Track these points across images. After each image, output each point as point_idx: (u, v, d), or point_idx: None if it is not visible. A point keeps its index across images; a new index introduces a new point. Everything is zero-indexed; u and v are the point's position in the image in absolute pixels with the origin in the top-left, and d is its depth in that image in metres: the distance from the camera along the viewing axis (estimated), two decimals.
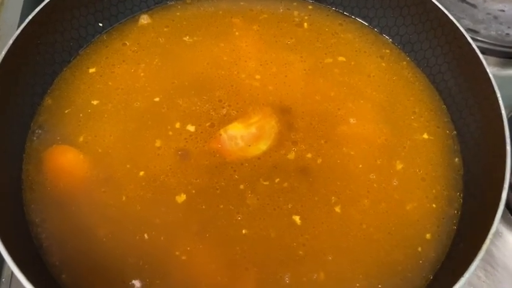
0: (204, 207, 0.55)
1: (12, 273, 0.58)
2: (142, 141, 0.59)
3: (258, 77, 0.65)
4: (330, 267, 0.53)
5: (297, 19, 0.72)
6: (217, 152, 0.59)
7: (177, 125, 0.60)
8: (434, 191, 0.58)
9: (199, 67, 0.66)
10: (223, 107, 0.62)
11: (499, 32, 0.80)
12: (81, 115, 0.61)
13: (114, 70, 0.65)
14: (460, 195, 0.58)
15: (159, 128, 0.60)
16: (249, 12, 0.72)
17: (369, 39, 0.71)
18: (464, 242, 0.53)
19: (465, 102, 0.62)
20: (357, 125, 0.62)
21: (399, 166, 0.59)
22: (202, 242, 0.54)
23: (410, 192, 0.58)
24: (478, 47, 0.60)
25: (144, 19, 0.71)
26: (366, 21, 0.72)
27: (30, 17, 0.59)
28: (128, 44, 0.68)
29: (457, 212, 0.57)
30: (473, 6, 0.84)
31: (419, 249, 0.55)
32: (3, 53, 0.56)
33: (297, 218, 0.55)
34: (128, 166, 0.58)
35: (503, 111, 0.55)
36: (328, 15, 0.73)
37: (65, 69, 0.66)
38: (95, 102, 0.62)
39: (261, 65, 0.66)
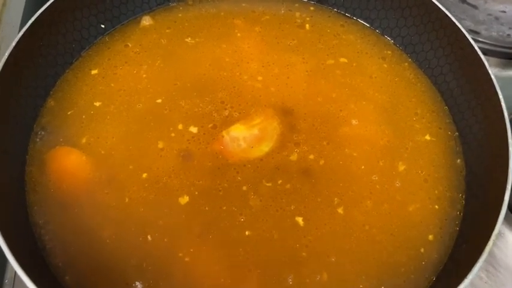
0: (206, 208, 0.55)
1: (15, 274, 0.58)
2: (145, 143, 0.59)
3: (260, 78, 0.65)
4: (333, 268, 0.53)
5: (298, 20, 0.72)
6: (220, 153, 0.59)
7: (180, 127, 0.60)
8: (436, 192, 0.58)
9: (202, 68, 0.66)
10: (225, 109, 0.62)
11: (500, 33, 0.80)
12: (83, 117, 0.61)
13: (116, 71, 0.65)
14: (462, 196, 0.58)
15: (162, 130, 0.60)
16: (250, 14, 0.72)
17: (371, 41, 0.71)
18: (467, 244, 0.54)
19: (467, 103, 0.62)
20: (359, 126, 0.62)
21: (401, 167, 0.59)
22: (205, 243, 0.54)
23: (412, 194, 0.58)
24: (479, 48, 0.60)
25: (146, 20, 0.71)
26: (368, 23, 0.72)
27: (32, 19, 0.59)
28: (130, 45, 0.68)
29: (460, 213, 0.57)
30: (474, 7, 0.84)
31: (422, 250, 0.55)
32: (6, 55, 0.56)
33: (299, 220, 0.55)
34: (131, 167, 0.58)
35: (505, 112, 0.55)
36: (330, 17, 0.73)
37: (67, 70, 0.66)
38: (97, 104, 0.62)
39: (263, 66, 0.66)
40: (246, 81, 0.65)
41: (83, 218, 0.55)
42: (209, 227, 0.54)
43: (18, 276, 0.45)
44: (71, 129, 0.60)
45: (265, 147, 0.59)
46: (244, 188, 0.57)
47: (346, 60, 0.68)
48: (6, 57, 0.55)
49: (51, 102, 0.63)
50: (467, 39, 0.61)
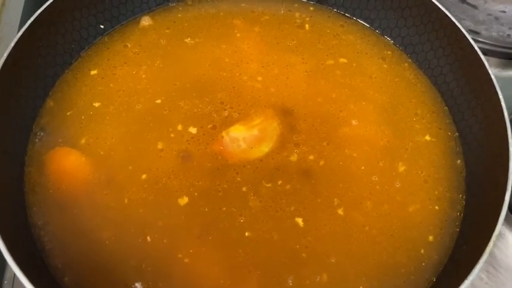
0: (206, 209, 0.55)
1: (14, 275, 0.58)
2: (144, 144, 0.59)
3: (259, 78, 0.65)
4: (333, 269, 0.53)
5: (298, 21, 0.72)
6: (220, 154, 0.59)
7: (179, 127, 0.60)
8: (436, 192, 0.58)
9: (201, 69, 0.66)
10: (225, 109, 0.62)
11: (500, 33, 0.80)
12: (83, 117, 0.61)
13: (115, 72, 0.65)
14: (462, 197, 0.58)
15: (161, 130, 0.60)
16: (250, 14, 0.72)
17: (371, 41, 0.71)
18: (467, 244, 0.53)
19: (467, 103, 0.62)
20: (359, 126, 0.62)
21: (401, 168, 0.59)
22: (205, 244, 0.53)
23: (412, 194, 0.58)
24: (479, 48, 0.60)
25: (146, 21, 0.71)
26: (368, 23, 0.72)
27: (31, 19, 0.59)
28: (129, 45, 0.68)
29: (460, 214, 0.57)
30: (474, 7, 0.83)
31: (422, 251, 0.55)
32: (5, 55, 0.56)
33: (299, 220, 0.55)
34: (130, 168, 0.57)
35: (505, 112, 0.55)
36: (329, 17, 0.73)
37: (66, 71, 0.66)
38: (96, 104, 0.62)
39: (262, 66, 0.66)
40: (246, 82, 0.65)
41: (82, 219, 0.55)
42: (209, 228, 0.54)
43: (18, 277, 0.45)
44: (70, 129, 0.60)
45: (265, 148, 0.59)
46: (244, 188, 0.56)
47: (346, 61, 0.68)
48: (5, 57, 0.55)
49: (50, 103, 0.63)
50: (467, 40, 0.61)
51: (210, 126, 0.60)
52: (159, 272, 0.52)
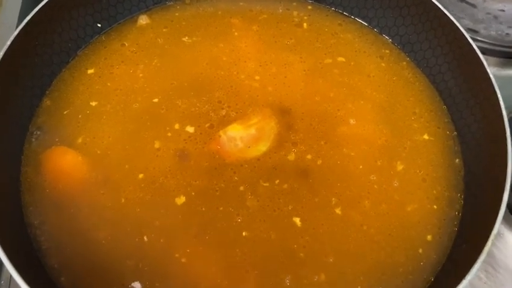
0: (203, 209, 0.55)
1: (10, 276, 0.58)
2: (141, 143, 0.59)
3: (257, 77, 0.65)
4: (331, 269, 0.53)
5: (296, 19, 0.72)
6: (217, 153, 0.58)
7: (176, 126, 0.60)
8: (435, 192, 0.58)
9: (199, 68, 0.65)
10: (222, 108, 0.62)
11: (499, 32, 0.80)
12: (79, 116, 0.61)
13: (112, 71, 0.65)
14: (461, 196, 0.58)
15: (158, 129, 0.60)
16: (248, 13, 0.72)
17: (369, 40, 0.70)
18: (465, 244, 0.53)
19: (466, 102, 0.62)
20: (357, 125, 0.62)
21: (400, 167, 0.59)
22: (202, 244, 0.53)
23: (411, 194, 0.58)
24: (478, 47, 0.60)
25: (143, 20, 0.71)
26: (366, 22, 0.72)
27: (28, 18, 0.59)
28: (126, 44, 0.68)
29: (458, 213, 0.57)
30: (473, 6, 0.83)
31: (420, 250, 0.55)
32: (1, 54, 0.55)
33: (297, 220, 0.55)
34: (127, 168, 0.57)
35: (503, 112, 0.55)
36: (327, 16, 0.72)
37: (63, 70, 0.65)
38: (93, 104, 0.62)
39: (260, 65, 0.66)
40: (244, 81, 0.64)
41: (78, 219, 0.55)
42: (206, 227, 0.54)
43: (14, 278, 0.45)
44: (67, 129, 0.60)
45: (262, 147, 0.59)
46: (241, 188, 0.56)
47: (344, 59, 0.67)
48: (1, 56, 0.55)
49: (47, 102, 0.63)
50: (466, 38, 0.60)
51: (207, 125, 0.60)
52: (156, 271, 0.52)
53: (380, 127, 0.62)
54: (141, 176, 0.57)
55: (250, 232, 0.54)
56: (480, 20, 0.81)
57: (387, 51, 0.69)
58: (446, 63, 0.65)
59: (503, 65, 0.79)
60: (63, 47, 0.65)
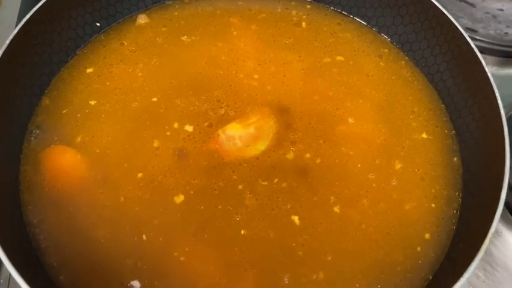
0: (202, 207, 0.55)
1: (10, 274, 0.58)
2: (140, 142, 0.59)
3: (256, 76, 0.65)
4: (329, 267, 0.53)
5: (295, 18, 0.72)
6: (216, 152, 0.58)
7: (175, 125, 0.60)
8: (433, 190, 0.58)
9: (198, 67, 0.65)
10: (221, 107, 0.62)
11: (498, 31, 0.80)
12: (78, 115, 0.61)
13: (111, 70, 0.65)
14: (459, 194, 0.58)
15: (157, 128, 0.60)
16: (247, 12, 0.72)
17: (368, 39, 0.70)
18: (463, 242, 0.53)
19: (464, 101, 0.62)
20: (356, 124, 0.62)
21: (398, 166, 0.59)
22: (201, 242, 0.53)
23: (409, 192, 0.58)
24: (476, 46, 0.60)
25: (142, 19, 0.71)
26: (365, 21, 0.72)
27: (27, 17, 0.59)
28: (125, 43, 0.68)
29: (456, 212, 0.57)
30: (472, 5, 0.83)
31: (419, 249, 0.55)
32: (0, 53, 0.55)
33: (295, 218, 0.55)
34: (126, 166, 0.57)
35: (502, 111, 0.55)
36: (326, 15, 0.73)
37: (62, 69, 0.65)
38: (92, 103, 0.62)
39: (259, 64, 0.66)
40: (242, 80, 0.64)
41: (77, 217, 0.55)
42: (204, 226, 0.54)
43: (14, 277, 0.45)
44: (66, 128, 0.60)
45: (261, 146, 0.59)
46: (240, 187, 0.56)
47: (342, 59, 0.68)
48: (0, 55, 0.55)
49: (46, 101, 0.63)
50: (464, 37, 0.61)
51: (206, 124, 0.60)
52: (155, 270, 0.52)
53: (379, 126, 0.62)
54: (140, 174, 0.57)
55: (249, 231, 0.54)
56: (479, 19, 0.82)
57: (386, 50, 0.70)
58: (445, 62, 0.65)
59: (502, 64, 0.79)
60: (62, 46, 0.65)
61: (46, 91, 0.63)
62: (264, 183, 0.57)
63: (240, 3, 0.73)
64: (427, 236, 0.55)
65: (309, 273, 0.52)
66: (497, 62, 0.79)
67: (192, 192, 0.56)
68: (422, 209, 0.57)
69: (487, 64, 0.58)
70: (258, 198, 0.56)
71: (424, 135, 0.62)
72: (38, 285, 0.45)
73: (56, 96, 0.63)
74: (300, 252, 0.53)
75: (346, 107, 0.63)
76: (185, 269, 0.52)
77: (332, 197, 0.56)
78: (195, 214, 0.55)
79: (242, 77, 0.65)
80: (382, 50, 0.69)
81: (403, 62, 0.69)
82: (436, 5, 0.64)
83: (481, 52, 0.60)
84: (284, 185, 0.57)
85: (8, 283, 0.58)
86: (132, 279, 0.52)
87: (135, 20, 0.71)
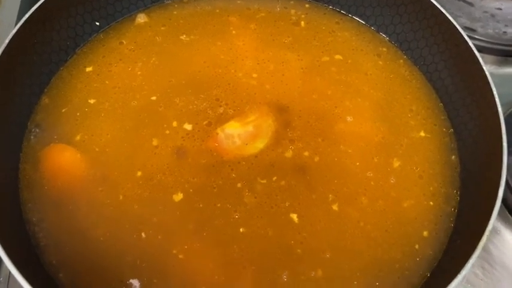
0: (201, 205, 0.55)
1: (10, 272, 0.58)
2: (139, 140, 0.59)
3: (255, 75, 0.65)
4: (328, 264, 0.53)
5: (294, 18, 0.72)
6: (215, 150, 0.59)
7: (174, 124, 0.60)
8: (431, 188, 0.58)
9: (197, 66, 0.66)
10: (220, 106, 0.62)
11: (496, 30, 0.80)
12: (78, 114, 0.61)
13: (111, 69, 0.65)
14: (457, 192, 0.58)
15: (156, 127, 0.60)
16: (246, 11, 0.72)
17: (366, 38, 0.71)
18: (461, 239, 0.54)
19: (462, 100, 0.62)
20: (354, 123, 0.62)
21: (396, 164, 0.59)
22: (200, 240, 0.53)
23: (407, 190, 0.58)
24: (475, 45, 0.60)
25: (141, 18, 0.71)
26: (363, 20, 0.72)
27: (26, 16, 0.59)
28: (124, 42, 0.68)
29: (454, 210, 0.57)
30: (470, 4, 0.84)
31: (417, 246, 0.55)
32: (0, 52, 0.55)
33: (294, 216, 0.55)
34: (125, 165, 0.58)
35: (499, 109, 0.55)
36: (325, 14, 0.73)
37: (61, 68, 0.66)
38: (91, 101, 0.62)
39: (258, 63, 0.66)
40: (241, 79, 0.65)
41: (77, 216, 0.55)
42: (203, 224, 0.54)
43: (13, 274, 0.45)
44: (65, 126, 0.60)
45: (259, 144, 0.59)
46: (239, 185, 0.56)
47: (341, 57, 0.68)
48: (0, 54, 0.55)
49: (45, 100, 0.63)
50: (462, 36, 0.61)
51: (205, 122, 0.61)
52: (154, 268, 0.52)
53: (377, 124, 0.62)
54: (139, 173, 0.57)
55: (248, 228, 0.54)
56: (477, 19, 0.82)
57: (384, 49, 0.70)
58: (443, 61, 0.65)
59: (501, 63, 0.80)
60: (61, 45, 0.65)
61: (45, 90, 0.64)
62: (262, 181, 0.57)
63: (239, 2, 0.73)
64: (425, 233, 0.56)
65: (308, 271, 0.52)
66: (496, 60, 0.80)
67: (191, 190, 0.56)
68: (421, 206, 0.57)
69: (485, 63, 0.59)
70: (256, 196, 0.56)
71: (422, 134, 0.62)
72: (38, 283, 0.45)
73: (55, 95, 0.63)
74: (298, 250, 0.53)
75: (345, 105, 0.63)
76: (184, 267, 0.52)
77: (330, 195, 0.57)
78: (194, 212, 0.55)
79: (241, 76, 0.65)
80: (380, 48, 0.70)
81: (402, 60, 0.69)
82: (434, 4, 0.64)
83: (480, 51, 0.60)
84: (283, 183, 0.57)
85: (8, 281, 0.58)
86: (132, 277, 0.52)
87: (134, 19, 0.71)
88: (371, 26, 0.72)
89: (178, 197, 0.56)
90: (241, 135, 0.59)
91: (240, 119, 0.61)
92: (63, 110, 0.62)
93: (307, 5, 0.73)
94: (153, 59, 0.66)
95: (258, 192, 0.56)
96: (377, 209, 0.56)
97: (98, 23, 0.69)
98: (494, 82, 0.57)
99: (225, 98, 0.63)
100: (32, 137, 0.60)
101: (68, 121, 0.61)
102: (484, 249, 0.47)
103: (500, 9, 0.83)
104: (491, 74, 0.58)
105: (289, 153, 0.59)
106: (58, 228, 0.54)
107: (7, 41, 0.57)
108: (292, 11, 0.73)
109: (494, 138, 0.54)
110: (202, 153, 0.58)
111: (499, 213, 0.50)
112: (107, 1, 0.69)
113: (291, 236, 0.54)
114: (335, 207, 0.56)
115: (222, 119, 0.61)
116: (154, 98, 0.62)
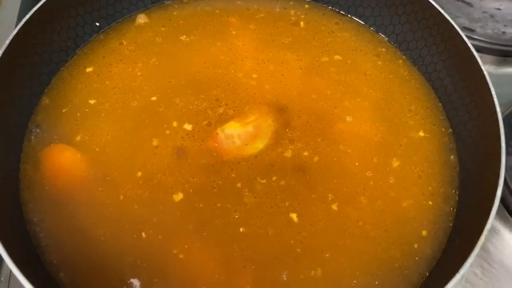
0: (201, 205, 0.55)
1: (11, 272, 0.58)
2: (140, 140, 0.59)
3: (254, 75, 0.65)
4: (327, 264, 0.53)
5: (293, 18, 0.72)
6: (214, 150, 0.59)
7: (174, 124, 0.61)
8: (430, 188, 0.59)
9: (196, 66, 0.66)
10: (220, 106, 0.62)
11: (495, 31, 0.81)
12: (78, 114, 0.61)
13: (111, 69, 0.66)
14: (455, 192, 0.59)
15: (156, 127, 0.60)
16: (245, 12, 0.72)
17: (365, 38, 0.71)
18: (460, 239, 0.54)
19: (461, 100, 0.63)
20: (354, 123, 0.62)
21: (395, 164, 0.60)
22: (200, 240, 0.54)
23: (406, 190, 0.58)
24: (474, 45, 0.60)
25: (141, 18, 0.71)
26: (362, 20, 0.72)
27: (26, 17, 0.59)
28: (125, 43, 0.68)
29: (453, 209, 0.58)
30: (470, 4, 0.84)
31: (416, 246, 0.55)
32: (0, 53, 0.56)
33: (294, 216, 0.55)
34: (125, 165, 0.58)
35: (498, 109, 0.55)
36: (324, 14, 0.73)
37: (62, 68, 0.66)
38: (92, 102, 0.63)
39: (257, 64, 0.67)
40: (241, 79, 0.65)
41: (77, 216, 0.55)
42: (203, 224, 0.54)
43: (14, 274, 0.45)
44: (66, 127, 0.61)
45: (259, 145, 0.59)
46: (239, 185, 0.57)
47: (340, 58, 0.68)
48: (0, 55, 0.56)
49: (45, 100, 0.63)
50: (461, 37, 0.61)
51: (205, 123, 0.61)
52: (154, 267, 0.52)
53: (376, 124, 0.62)
54: (139, 173, 0.57)
55: (248, 228, 0.54)
56: (476, 19, 0.82)
57: (383, 49, 0.70)
58: (442, 61, 0.65)
59: (500, 63, 0.80)
60: (62, 46, 0.66)
61: (46, 90, 0.64)
62: (262, 181, 0.57)
63: (238, 2, 0.73)
64: (424, 233, 0.56)
65: (307, 270, 0.53)
66: (495, 61, 0.80)
67: (191, 190, 0.56)
68: (420, 206, 0.57)
69: (484, 63, 0.59)
70: (256, 196, 0.56)
71: (421, 134, 0.62)
72: (39, 283, 0.45)
73: (55, 96, 0.63)
74: (298, 249, 0.54)
75: (344, 105, 0.63)
76: (184, 267, 0.53)
77: (330, 195, 0.57)
78: (194, 212, 0.55)
79: (241, 76, 0.65)
80: (379, 49, 0.70)
81: (401, 61, 0.69)
82: (432, 5, 0.64)
83: (479, 51, 0.61)
84: (282, 183, 0.57)
85: (9, 280, 0.58)
86: (132, 277, 0.52)
87: (134, 20, 0.71)
88: (370, 26, 0.72)
89: (179, 197, 0.56)
90: (241, 135, 0.60)
91: (239, 119, 0.61)
92: (64, 111, 0.62)
93: (306, 6, 0.74)
94: (153, 59, 0.66)
95: (257, 192, 0.56)
96: (376, 209, 0.57)
97: (98, 24, 0.69)
98: (492, 82, 0.57)
99: (224, 98, 0.63)
100: (32, 138, 0.60)
101: (68, 121, 0.61)
102: (483, 248, 0.48)
103: (499, 9, 0.83)
104: (490, 74, 0.58)
105: (288, 153, 0.59)
106: (59, 228, 0.55)
107: (8, 41, 0.57)
108: (292, 12, 0.73)
109: (493, 138, 0.55)
110: (202, 153, 0.59)
111: (498, 213, 0.50)
112: (107, 2, 0.69)
113: (291, 236, 0.54)
114: (334, 206, 0.56)
115: (222, 119, 0.61)
116: (154, 98, 0.63)
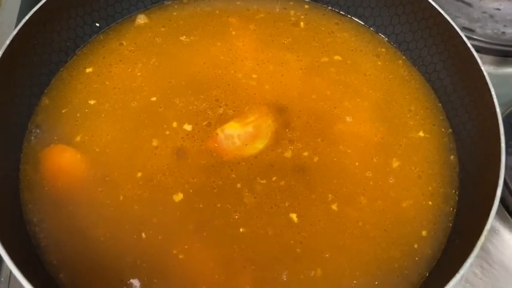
0: (201, 206, 0.55)
1: (10, 272, 0.58)
2: (140, 141, 0.59)
3: (254, 76, 0.65)
4: (327, 264, 0.53)
5: (293, 18, 0.72)
6: (214, 151, 0.59)
7: (174, 125, 0.61)
8: (430, 188, 0.59)
9: (196, 67, 0.66)
10: (220, 106, 0.62)
11: (495, 31, 0.81)
12: (78, 115, 0.62)
13: (111, 70, 0.66)
14: (455, 192, 0.59)
15: (156, 128, 0.60)
16: (245, 12, 0.72)
17: (365, 38, 0.71)
18: (460, 239, 0.54)
19: (460, 100, 0.63)
20: (353, 123, 0.62)
21: (395, 164, 0.60)
22: (200, 240, 0.54)
23: (406, 190, 0.58)
24: (474, 45, 0.60)
25: (141, 19, 0.71)
26: (362, 21, 0.72)
27: (26, 18, 0.59)
28: (124, 43, 0.68)
29: (453, 209, 0.58)
30: (469, 5, 0.84)
31: (416, 246, 0.55)
32: (0, 53, 0.56)
33: (294, 216, 0.55)
34: (125, 165, 0.58)
35: (497, 110, 0.55)
36: (324, 15, 0.73)
37: (61, 69, 0.66)
38: (92, 102, 0.63)
39: (257, 64, 0.67)
40: (241, 79, 0.65)
41: (77, 216, 0.55)
42: (203, 224, 0.54)
43: (14, 274, 0.45)
44: (66, 127, 0.61)
45: (259, 145, 0.59)
46: (239, 185, 0.57)
47: (340, 58, 0.68)
48: (0, 55, 0.56)
49: (45, 101, 0.63)
50: (461, 37, 0.61)
51: (205, 123, 0.61)
52: (154, 268, 0.52)
53: (376, 125, 0.62)
54: (139, 173, 0.57)
55: (248, 228, 0.54)
56: (476, 19, 0.82)
57: (383, 49, 0.70)
58: (442, 62, 0.66)
59: (499, 64, 0.80)
60: (61, 46, 0.66)
61: (46, 91, 0.64)
62: (262, 181, 0.57)
63: (238, 3, 0.73)
64: (423, 233, 0.56)
65: (307, 270, 0.53)
66: (495, 61, 0.80)
67: (191, 190, 0.56)
68: (419, 206, 0.57)
69: (484, 63, 0.59)
70: (256, 197, 0.56)
71: (421, 134, 0.62)
72: (38, 283, 0.45)
73: (55, 96, 0.63)
74: (298, 250, 0.54)
75: (344, 106, 0.64)
76: (184, 267, 0.53)
77: (330, 195, 0.57)
78: (194, 212, 0.55)
79: (240, 77, 0.65)
80: (379, 49, 0.70)
81: (400, 61, 0.69)
82: (432, 5, 0.64)
83: (479, 51, 0.61)
84: (282, 183, 0.57)
85: (9, 281, 0.58)
86: (132, 277, 0.52)
87: (134, 20, 0.71)
88: (370, 26, 0.72)
89: (179, 197, 0.56)
90: (241, 135, 0.60)
91: (239, 120, 0.61)
92: (63, 111, 0.62)
93: (306, 6, 0.74)
94: (153, 59, 0.66)
95: (257, 193, 0.56)
96: (376, 209, 0.57)
97: (97, 24, 0.69)
98: (492, 82, 0.57)
99: (224, 98, 0.63)
100: (32, 138, 0.60)
101: (68, 122, 0.61)
102: (483, 248, 0.48)
103: (499, 9, 0.84)
104: (489, 74, 0.58)
105: (288, 154, 0.59)
106: (58, 229, 0.55)
107: (8, 42, 0.57)
108: (292, 12, 0.73)
109: (493, 138, 0.55)
110: (202, 153, 0.59)
111: (497, 213, 0.50)
112: (107, 2, 0.69)
113: (291, 236, 0.54)
114: (334, 207, 0.56)
115: (222, 120, 0.61)
116: (154, 98, 0.63)
